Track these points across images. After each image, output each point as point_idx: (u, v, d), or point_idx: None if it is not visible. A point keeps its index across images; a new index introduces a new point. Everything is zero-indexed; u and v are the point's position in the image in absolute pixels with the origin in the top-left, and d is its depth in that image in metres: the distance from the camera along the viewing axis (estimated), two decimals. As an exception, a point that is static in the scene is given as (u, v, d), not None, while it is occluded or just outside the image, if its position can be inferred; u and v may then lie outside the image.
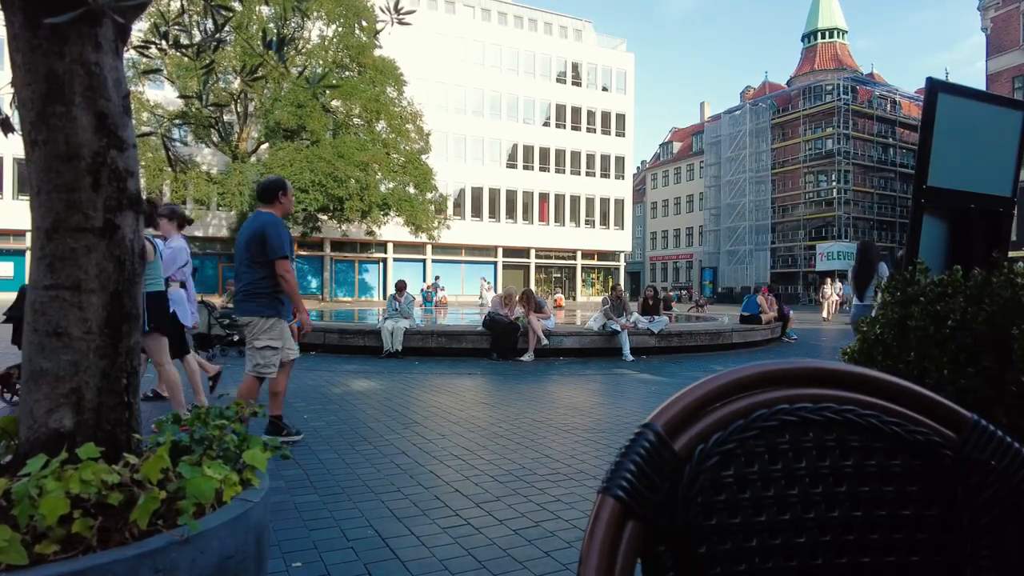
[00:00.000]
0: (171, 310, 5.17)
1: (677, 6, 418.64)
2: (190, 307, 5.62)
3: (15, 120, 1.88)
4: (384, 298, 40.57)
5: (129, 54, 2.06)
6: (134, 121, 1.79)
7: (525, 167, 45.62)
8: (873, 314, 2.08)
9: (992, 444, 0.70)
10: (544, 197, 46.21)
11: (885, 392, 0.72)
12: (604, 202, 48.43)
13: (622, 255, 50.23)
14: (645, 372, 9.13)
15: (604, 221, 48.64)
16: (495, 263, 44.67)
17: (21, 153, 1.66)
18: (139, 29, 2.10)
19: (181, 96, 3.16)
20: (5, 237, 32.52)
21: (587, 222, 47.89)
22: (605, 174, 48.49)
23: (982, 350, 1.71)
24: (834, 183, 47.02)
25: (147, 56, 2.34)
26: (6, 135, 2.20)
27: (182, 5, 2.31)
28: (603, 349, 10.78)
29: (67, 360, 1.61)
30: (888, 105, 50.58)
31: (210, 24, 2.15)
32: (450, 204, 40.72)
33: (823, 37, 54.53)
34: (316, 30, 30.83)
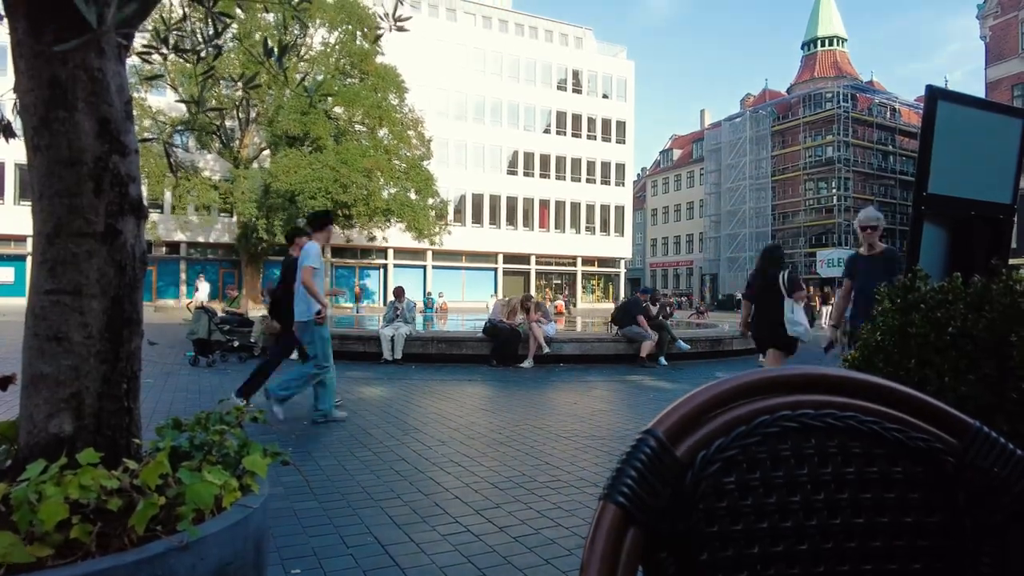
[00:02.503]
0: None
1: (656, 12, 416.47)
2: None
3: (17, 126, 1.88)
4: (385, 303, 40.65)
5: (131, 60, 2.06)
6: (136, 127, 1.79)
7: (526, 174, 45.69)
8: None
9: (994, 451, 0.70)
10: (544, 204, 46.26)
11: (887, 399, 0.72)
12: (604, 209, 48.48)
13: (622, 262, 50.23)
14: (646, 379, 9.11)
15: (604, 228, 48.68)
16: (495, 269, 44.69)
17: (23, 159, 1.66)
18: (142, 35, 2.10)
19: (180, 101, 3.17)
20: (7, 242, 32.55)
21: (587, 229, 47.93)
22: (605, 181, 48.56)
23: (982, 357, 1.71)
24: (834, 190, 47.07)
25: (149, 62, 2.35)
26: (8, 140, 2.20)
27: (184, 11, 2.31)
28: (603, 356, 10.77)
29: (67, 365, 1.60)
30: (888, 112, 50.70)
31: (211, 31, 2.15)
32: (451, 210, 40.75)
33: (823, 45, 54.75)
34: (319, 37, 30.96)
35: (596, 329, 16.28)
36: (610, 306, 47.58)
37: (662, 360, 10.80)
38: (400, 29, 2.44)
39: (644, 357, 10.49)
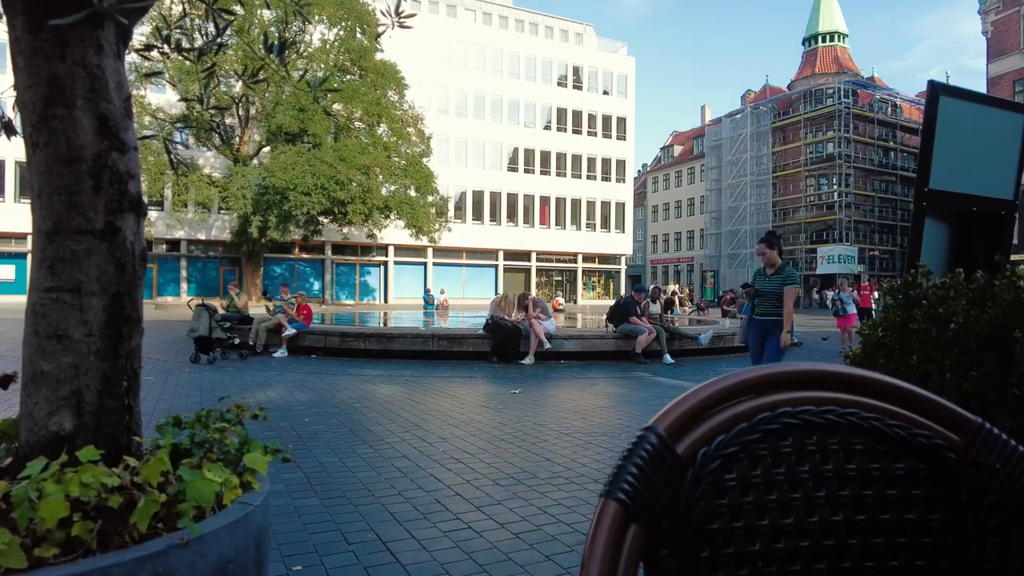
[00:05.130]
0: None
1: (652, 7, 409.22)
2: None
3: (18, 123, 1.88)
4: (386, 301, 40.64)
5: (131, 57, 2.06)
6: (135, 124, 1.78)
7: (526, 170, 45.63)
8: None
9: (996, 447, 0.69)
10: (545, 200, 46.23)
11: (888, 395, 0.71)
12: (605, 205, 48.43)
13: (623, 258, 50.20)
14: (647, 375, 9.12)
15: (605, 224, 48.64)
16: (496, 266, 44.69)
17: (23, 156, 1.66)
18: (140, 32, 2.10)
19: (183, 99, 3.17)
20: (7, 240, 32.56)
21: (588, 225, 47.89)
22: (606, 177, 48.50)
23: (985, 353, 1.70)
24: (835, 186, 46.99)
25: (148, 59, 2.34)
26: (8, 138, 2.20)
27: (184, 8, 2.30)
28: (604, 352, 10.77)
29: (67, 362, 1.60)
30: (889, 108, 50.57)
31: (211, 27, 2.15)
32: (451, 207, 40.72)
33: (824, 41, 54.63)
34: (318, 34, 30.89)
35: (597, 325, 16.28)
36: (611, 303, 47.45)
37: (667, 357, 10.78)
38: (402, 26, 2.43)
39: (639, 353, 10.51)
